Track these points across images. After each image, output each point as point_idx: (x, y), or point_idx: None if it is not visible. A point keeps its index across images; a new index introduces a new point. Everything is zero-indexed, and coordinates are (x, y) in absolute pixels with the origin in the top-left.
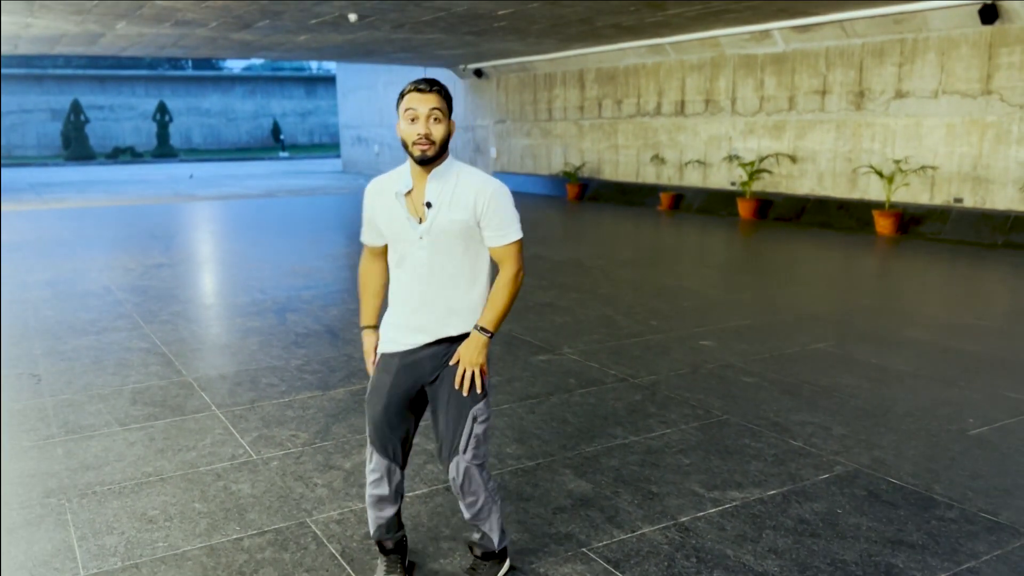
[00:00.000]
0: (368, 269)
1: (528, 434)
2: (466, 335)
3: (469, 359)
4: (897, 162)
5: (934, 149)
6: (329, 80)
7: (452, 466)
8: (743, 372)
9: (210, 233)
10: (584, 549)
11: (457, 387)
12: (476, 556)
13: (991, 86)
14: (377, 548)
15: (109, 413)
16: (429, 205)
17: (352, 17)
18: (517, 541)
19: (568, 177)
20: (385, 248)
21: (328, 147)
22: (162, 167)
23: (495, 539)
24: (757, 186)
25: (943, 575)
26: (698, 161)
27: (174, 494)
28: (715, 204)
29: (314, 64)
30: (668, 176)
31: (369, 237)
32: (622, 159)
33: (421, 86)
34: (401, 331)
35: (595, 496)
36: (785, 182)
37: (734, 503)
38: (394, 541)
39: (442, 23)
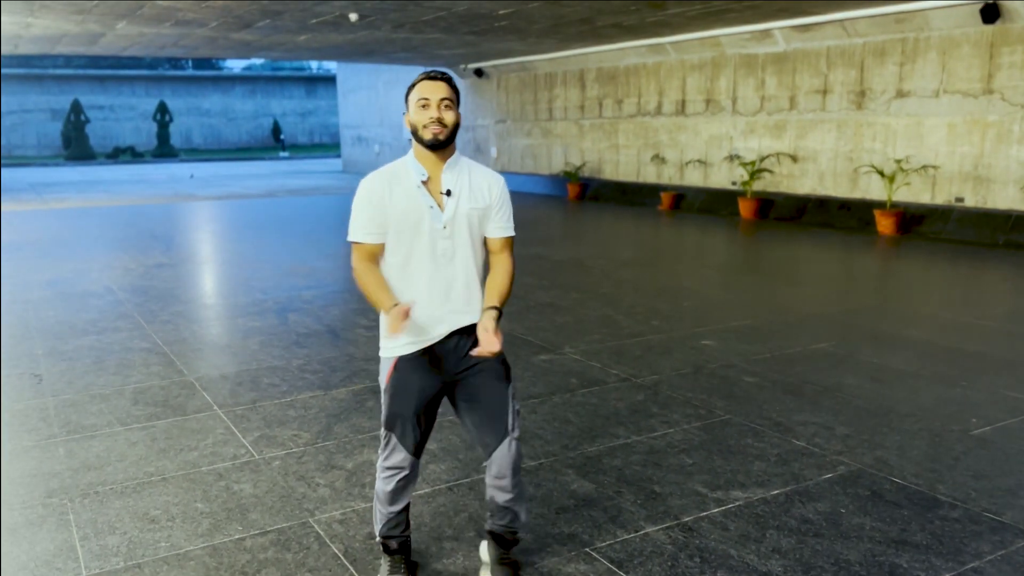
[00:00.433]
0: (366, 266)
1: (530, 434)
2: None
3: (488, 325)
4: (898, 162)
5: (935, 149)
6: (329, 80)
7: (504, 447)
8: (745, 372)
9: (211, 233)
10: (587, 549)
11: (485, 350)
12: (508, 540)
13: (992, 86)
14: (381, 548)
15: (111, 413)
16: (448, 193)
17: (352, 17)
18: (520, 541)
19: (568, 177)
20: (379, 248)
21: (328, 147)
22: (162, 167)
23: (523, 516)
24: (758, 186)
25: (947, 575)
26: (699, 161)
27: (176, 494)
28: (716, 204)
29: (314, 64)
30: (669, 176)
31: (370, 234)
32: (623, 159)
33: (432, 74)
34: (420, 329)
35: (598, 496)
36: (786, 182)
37: (737, 503)
38: (399, 540)
39: (442, 23)
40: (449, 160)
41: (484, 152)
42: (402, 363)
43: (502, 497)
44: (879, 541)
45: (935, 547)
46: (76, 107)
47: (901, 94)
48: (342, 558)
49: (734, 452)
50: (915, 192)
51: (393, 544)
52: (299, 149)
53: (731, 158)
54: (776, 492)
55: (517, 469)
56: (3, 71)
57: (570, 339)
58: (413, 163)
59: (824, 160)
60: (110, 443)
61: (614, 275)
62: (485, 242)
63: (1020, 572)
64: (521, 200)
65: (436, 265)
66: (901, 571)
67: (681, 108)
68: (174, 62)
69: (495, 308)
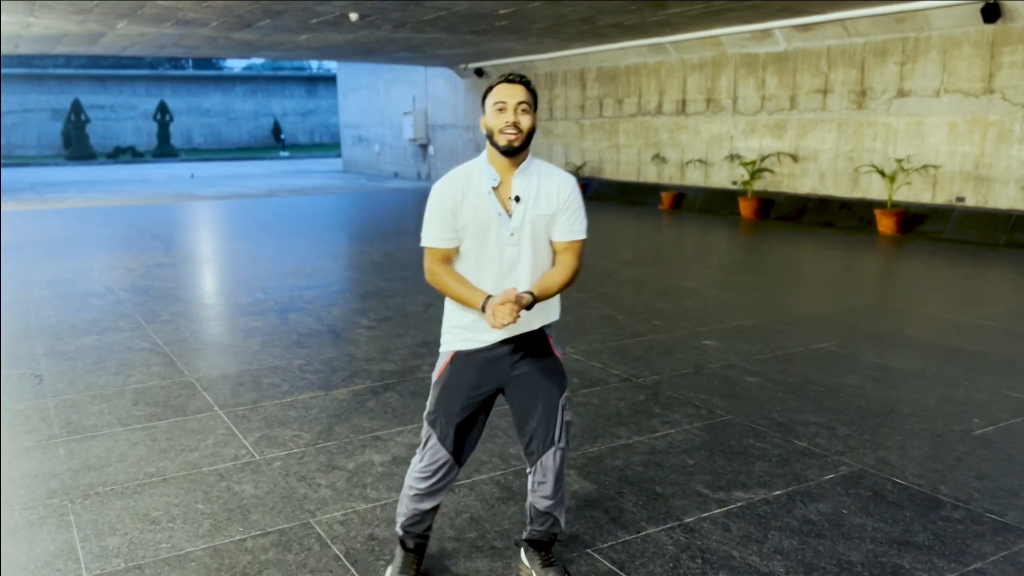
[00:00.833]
0: (442, 268)
1: None
2: (541, 331)
3: (511, 304)
4: (899, 161)
5: (936, 148)
6: (330, 79)
7: (549, 456)
8: (746, 372)
9: (211, 233)
10: (589, 550)
11: (489, 317)
12: (544, 542)
13: (993, 85)
14: (398, 544)
15: (111, 413)
16: (518, 199)
17: (353, 16)
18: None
19: None
20: (452, 251)
21: (329, 147)
22: (163, 167)
23: (563, 521)
24: (759, 185)
25: None
26: (699, 160)
27: (177, 495)
28: (716, 203)
29: (315, 63)
30: (669, 175)
31: (445, 239)
32: (623, 158)
33: (511, 78)
34: (479, 331)
35: (599, 497)
36: (787, 181)
37: (739, 504)
38: (415, 540)
39: (443, 22)
40: (522, 165)
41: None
42: (458, 358)
43: (543, 504)
44: (881, 542)
45: (937, 548)
46: (76, 107)
47: (902, 94)
48: (343, 559)
49: (736, 452)
50: (916, 192)
51: (410, 543)
52: (299, 149)
53: (732, 158)
54: (778, 493)
55: (560, 478)
56: (4, 71)
57: (571, 339)
58: (486, 166)
59: (825, 160)
60: (111, 443)
61: (615, 275)
62: (552, 244)
63: (1023, 573)
64: None
65: (501, 271)
66: (903, 572)
67: (682, 108)
68: (175, 62)
69: (530, 293)
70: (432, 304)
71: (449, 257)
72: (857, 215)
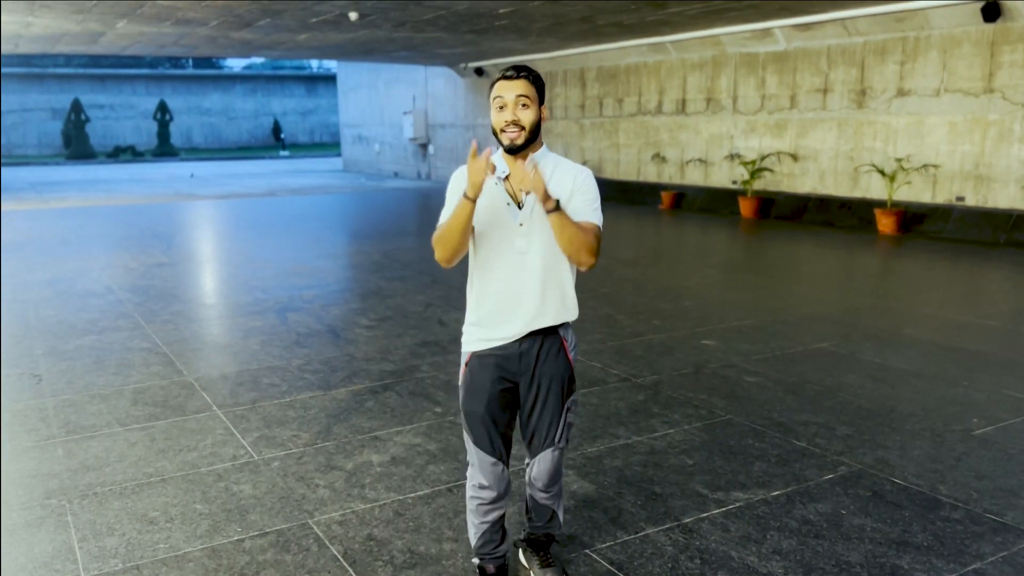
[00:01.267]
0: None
1: None
2: (555, 328)
3: (539, 180)
4: (899, 160)
5: (936, 147)
6: (330, 79)
7: (546, 455)
8: (746, 372)
9: (211, 232)
10: (587, 550)
11: (525, 180)
12: (542, 541)
13: (993, 84)
14: (478, 573)
15: (110, 413)
16: (529, 192)
17: (353, 16)
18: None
19: None
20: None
21: (329, 146)
22: (163, 166)
23: (561, 517)
24: (759, 185)
25: None
26: (699, 160)
27: (175, 495)
28: (716, 203)
29: (315, 63)
30: (669, 175)
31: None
32: (623, 158)
33: (509, 73)
34: (492, 327)
35: (598, 497)
36: (787, 181)
37: (738, 504)
38: (496, 563)
39: (443, 22)
40: (534, 155)
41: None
42: (474, 360)
43: (540, 496)
44: (880, 542)
45: (936, 548)
46: (76, 106)
47: (902, 93)
48: (341, 559)
49: (735, 452)
50: (916, 191)
51: (490, 567)
52: (299, 148)
53: (732, 157)
54: (777, 493)
55: (556, 475)
56: (3, 70)
57: (573, 342)
58: (498, 159)
59: (825, 159)
60: (109, 444)
61: (615, 274)
62: None
63: (1022, 573)
64: None
65: (512, 263)
66: (902, 572)
67: (682, 107)
68: (174, 61)
69: (556, 201)
70: (432, 304)
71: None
72: (857, 214)
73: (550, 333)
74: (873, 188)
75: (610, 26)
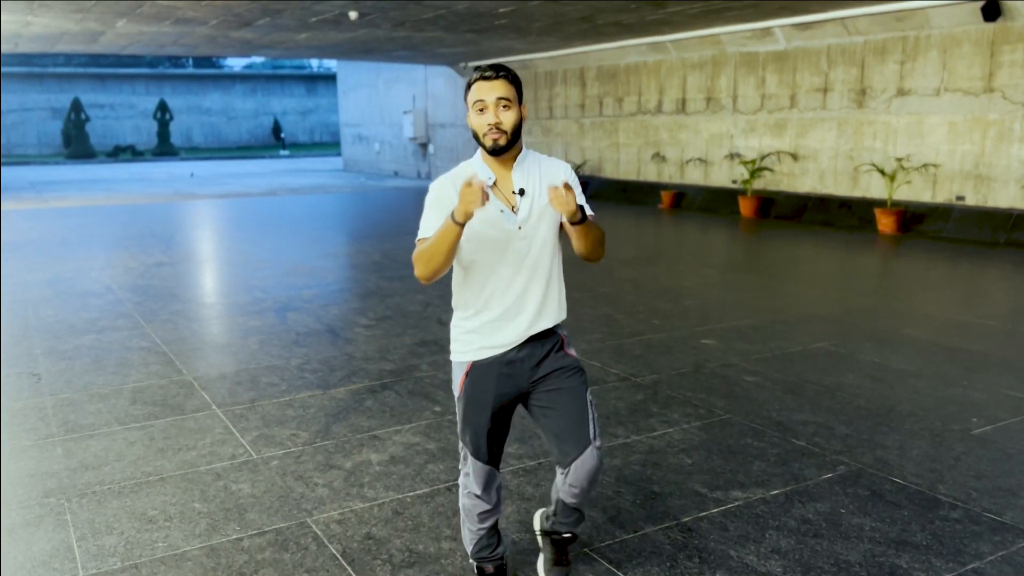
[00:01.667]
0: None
1: (530, 433)
2: (554, 330)
3: (566, 192)
4: (899, 160)
5: (936, 147)
6: (330, 78)
7: (587, 456)
8: (745, 371)
9: (211, 232)
10: (586, 549)
11: (552, 198)
12: (564, 539)
13: (993, 84)
14: (477, 574)
15: (109, 412)
16: (522, 192)
17: (352, 15)
18: (520, 541)
19: None
20: None
21: (329, 145)
22: (163, 166)
23: (585, 515)
24: (758, 184)
25: None
26: (699, 159)
27: (174, 494)
28: (716, 202)
29: (315, 62)
30: (669, 174)
31: (435, 229)
32: (623, 157)
33: (487, 73)
34: (491, 334)
35: (597, 496)
36: (786, 180)
37: (737, 503)
38: (495, 563)
39: (443, 21)
40: (519, 158)
41: None
42: (475, 370)
43: (572, 501)
44: (879, 541)
45: (935, 547)
46: (76, 105)
47: (902, 92)
48: (340, 558)
49: (734, 452)
50: (916, 191)
51: (489, 568)
52: (299, 148)
53: (732, 156)
54: (776, 492)
55: (596, 480)
56: (3, 69)
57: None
58: (480, 165)
59: (825, 158)
60: (108, 443)
61: (614, 274)
62: (564, 228)
63: (1021, 573)
64: None
65: (511, 268)
66: (901, 572)
67: (682, 106)
68: (174, 60)
69: (580, 207)
70: (431, 303)
71: None
72: (857, 214)
73: (549, 334)
74: (873, 188)
75: (610, 25)
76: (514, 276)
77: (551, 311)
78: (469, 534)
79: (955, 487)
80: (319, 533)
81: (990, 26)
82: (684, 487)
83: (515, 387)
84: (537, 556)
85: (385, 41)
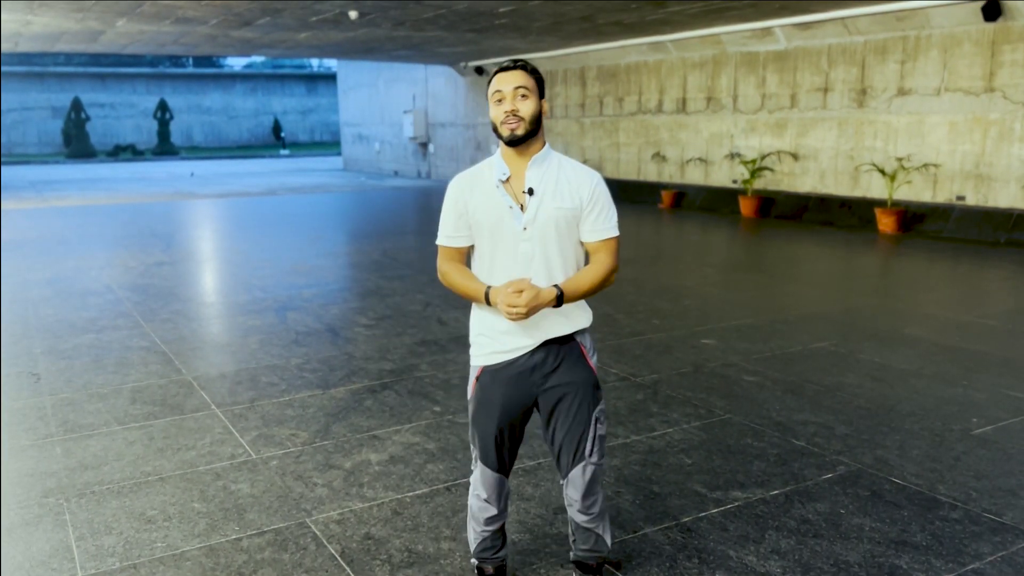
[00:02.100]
0: (451, 266)
1: (528, 433)
2: (572, 336)
3: (530, 295)
4: (899, 160)
5: (936, 147)
6: (330, 78)
7: (577, 471)
8: (745, 371)
9: (211, 231)
10: None
11: (502, 301)
12: (592, 567)
13: (994, 84)
14: (477, 573)
15: (108, 412)
16: (531, 192)
17: (353, 15)
18: (518, 542)
19: None
20: (466, 251)
21: (329, 145)
22: (163, 165)
23: (608, 539)
24: (759, 184)
25: None
26: (700, 159)
27: (173, 494)
28: (717, 202)
29: (315, 62)
30: (669, 174)
31: (455, 237)
32: (623, 157)
33: (506, 64)
34: (503, 338)
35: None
36: (787, 180)
37: (736, 503)
38: (494, 564)
39: (443, 20)
40: (536, 156)
41: (485, 150)
42: (485, 375)
43: (581, 518)
44: (879, 542)
45: (935, 548)
46: (77, 105)
47: (902, 92)
48: (339, 559)
49: (734, 452)
50: (916, 190)
51: (489, 568)
52: (300, 147)
53: (732, 156)
54: (775, 492)
55: (591, 493)
56: (4, 68)
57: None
58: (497, 160)
59: (825, 158)
60: (107, 442)
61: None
62: (583, 245)
63: (1020, 573)
64: None
65: (516, 268)
66: (901, 572)
67: (682, 106)
68: (175, 60)
69: (556, 287)
70: (431, 303)
71: (460, 257)
72: (857, 214)
73: (566, 340)
74: (873, 187)
75: (610, 25)
76: (517, 276)
77: (566, 316)
78: (473, 533)
79: (955, 487)
80: (318, 533)
81: (990, 26)
82: (684, 487)
83: (525, 395)
84: (537, 556)
85: (385, 40)
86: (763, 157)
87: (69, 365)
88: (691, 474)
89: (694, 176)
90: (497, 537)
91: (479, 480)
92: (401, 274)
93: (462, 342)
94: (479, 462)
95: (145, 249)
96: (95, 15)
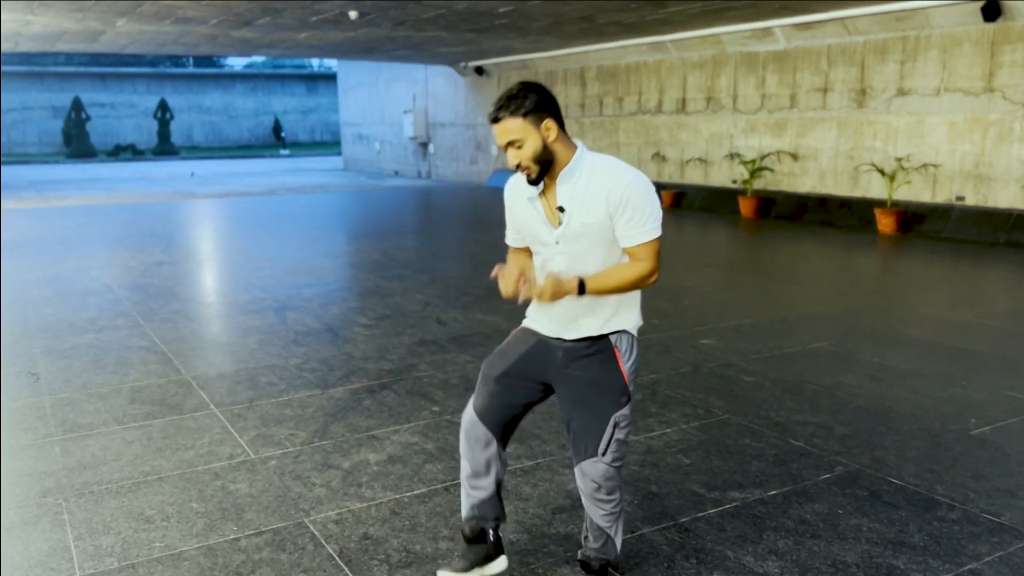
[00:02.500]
0: (509, 257)
1: (527, 433)
2: (605, 336)
3: (550, 283)
4: (899, 160)
5: (936, 147)
6: (330, 77)
7: (588, 465)
8: (744, 371)
9: (211, 231)
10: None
11: (514, 285)
12: (595, 569)
13: (993, 84)
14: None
15: (107, 412)
16: (562, 209)
17: (353, 15)
18: (516, 542)
19: None
20: (524, 250)
21: (329, 145)
22: (163, 165)
23: (618, 543)
24: (758, 184)
25: None
26: (699, 159)
27: (171, 494)
28: (716, 202)
29: (315, 61)
30: (669, 174)
31: (513, 238)
32: (623, 157)
33: (492, 115)
34: (544, 321)
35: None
36: (787, 180)
37: (734, 503)
38: (471, 527)
39: (443, 20)
40: (563, 173)
41: (484, 150)
42: (519, 332)
43: (597, 513)
44: (876, 542)
45: (932, 548)
46: (77, 104)
47: (902, 92)
48: (337, 559)
49: (732, 452)
50: (916, 191)
51: (466, 529)
52: (300, 147)
53: (732, 156)
54: (773, 492)
55: (598, 490)
56: (4, 68)
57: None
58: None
59: (825, 158)
60: (106, 442)
61: None
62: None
63: (1018, 574)
64: None
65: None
66: (898, 572)
67: (682, 106)
68: (175, 60)
69: (581, 281)
70: (430, 303)
71: (528, 252)
72: (857, 214)
73: (599, 339)
74: (873, 188)
75: (610, 25)
76: None
77: (598, 320)
78: (464, 498)
79: (953, 488)
80: (316, 533)
81: (990, 26)
82: (682, 487)
83: (541, 369)
84: (535, 556)
85: (385, 40)
86: (763, 157)
87: (68, 365)
88: (689, 474)
89: (694, 176)
90: (485, 505)
91: (464, 426)
92: (400, 274)
93: (461, 342)
94: (471, 406)
95: (145, 249)
96: (95, 15)
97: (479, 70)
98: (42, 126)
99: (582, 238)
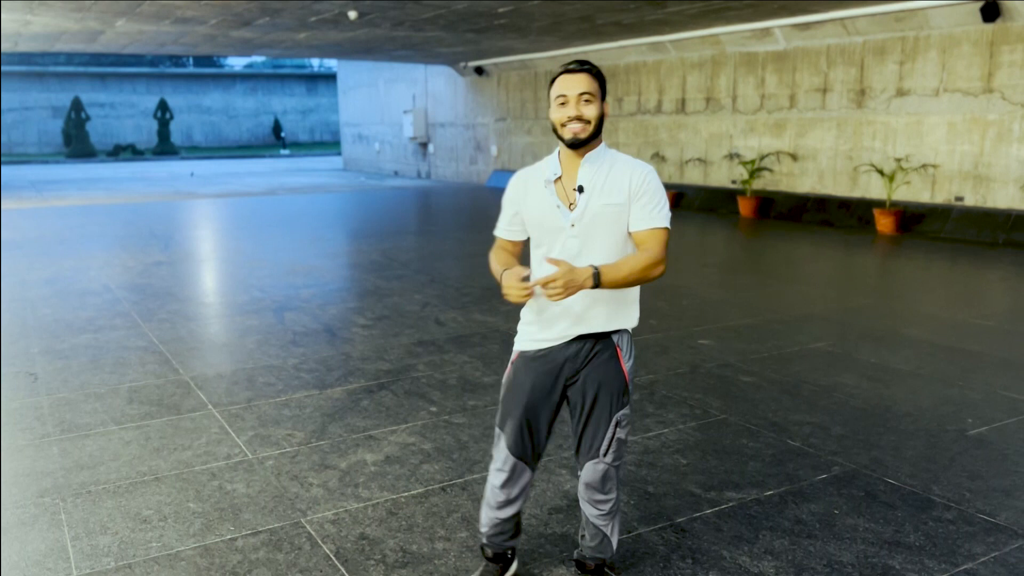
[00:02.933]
0: (496, 252)
1: None
2: (611, 333)
3: (566, 273)
4: (898, 160)
5: (935, 147)
6: (330, 77)
7: (589, 467)
8: (742, 372)
9: (210, 231)
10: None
11: (541, 287)
12: (590, 568)
13: (992, 84)
14: (480, 552)
15: (105, 412)
16: (581, 189)
17: (352, 15)
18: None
19: None
20: (519, 244)
21: (329, 145)
22: (163, 165)
23: (615, 543)
24: (758, 184)
25: None
26: (699, 159)
27: (169, 494)
28: (716, 202)
29: (315, 61)
30: (669, 174)
31: (506, 230)
32: None
33: (571, 66)
34: (543, 327)
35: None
36: (786, 180)
37: (731, 504)
38: (494, 549)
39: (442, 21)
40: (590, 154)
41: (484, 150)
42: (520, 360)
43: (592, 512)
44: (872, 542)
45: (929, 548)
46: (77, 104)
47: (901, 92)
48: (333, 559)
49: (729, 452)
50: (915, 191)
51: (488, 552)
52: (300, 147)
53: (731, 156)
54: (770, 493)
55: (600, 490)
56: (4, 68)
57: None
58: (553, 160)
59: (824, 159)
60: (104, 442)
61: None
62: (632, 236)
63: (1014, 573)
64: None
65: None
66: (894, 572)
67: (681, 106)
68: (175, 60)
69: (596, 270)
70: (428, 303)
71: (511, 247)
72: (856, 214)
73: (602, 338)
74: (872, 188)
75: (609, 25)
76: None
77: (605, 314)
78: (484, 518)
79: (949, 488)
80: (313, 533)
81: (989, 26)
82: (679, 488)
83: (553, 387)
84: (532, 557)
85: (385, 40)
86: (762, 157)
87: (66, 365)
88: (686, 474)
89: (693, 176)
90: (507, 527)
91: (498, 466)
92: (399, 274)
93: (460, 343)
94: (503, 446)
95: (144, 249)
96: (95, 15)
97: (479, 70)
98: (42, 126)
99: (599, 220)
